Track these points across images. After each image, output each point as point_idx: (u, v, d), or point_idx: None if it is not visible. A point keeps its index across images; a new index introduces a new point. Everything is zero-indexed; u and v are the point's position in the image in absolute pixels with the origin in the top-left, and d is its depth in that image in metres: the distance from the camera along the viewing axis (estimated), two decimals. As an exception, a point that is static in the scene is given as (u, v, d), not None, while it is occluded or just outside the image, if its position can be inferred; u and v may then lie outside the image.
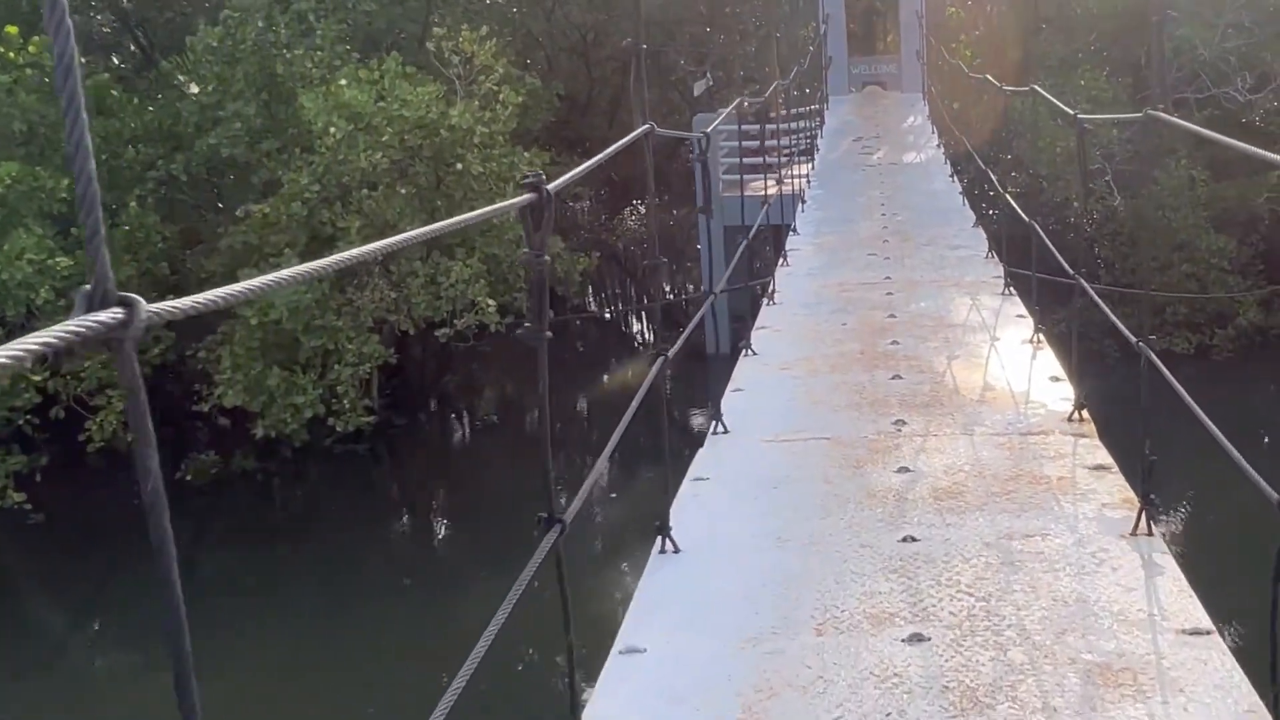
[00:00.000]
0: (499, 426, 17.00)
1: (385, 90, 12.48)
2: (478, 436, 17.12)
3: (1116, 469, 4.17)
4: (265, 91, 13.74)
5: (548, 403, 2.29)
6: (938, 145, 14.45)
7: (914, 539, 3.62)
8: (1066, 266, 5.05)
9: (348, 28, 14.76)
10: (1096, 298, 4.84)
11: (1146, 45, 17.41)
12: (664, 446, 3.79)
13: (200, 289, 1.24)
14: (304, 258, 12.12)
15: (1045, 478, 4.10)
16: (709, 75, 21.13)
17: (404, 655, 9.93)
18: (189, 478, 13.81)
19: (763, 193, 10.47)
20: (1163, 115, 3.25)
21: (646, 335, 22.33)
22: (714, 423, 4.82)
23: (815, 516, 3.84)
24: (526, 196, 2.22)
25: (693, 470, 4.35)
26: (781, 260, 8.38)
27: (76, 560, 12.71)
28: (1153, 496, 3.62)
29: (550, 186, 2.27)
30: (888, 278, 7.58)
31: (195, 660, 1.14)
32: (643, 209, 28.73)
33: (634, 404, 3.47)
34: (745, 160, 15.40)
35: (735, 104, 7.55)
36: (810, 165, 13.49)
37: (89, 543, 12.98)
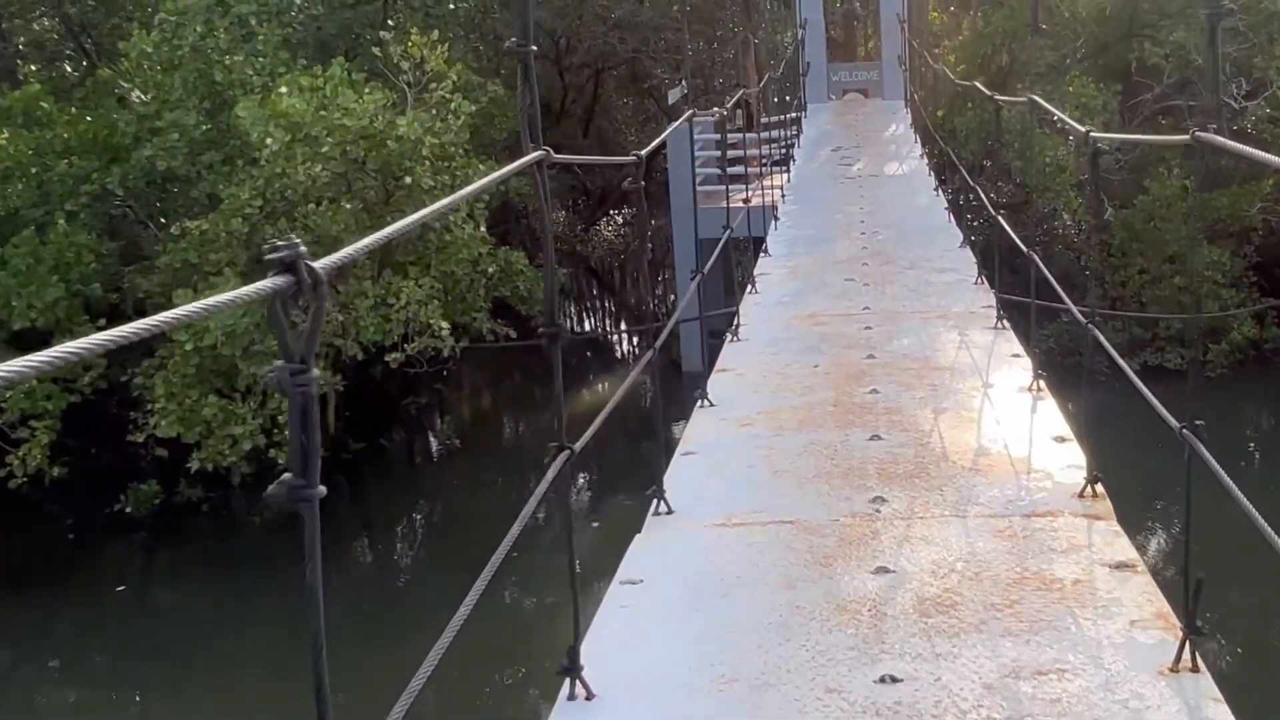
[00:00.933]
0: (464, 450, 16.18)
1: (328, 98, 11.62)
2: (443, 461, 16.28)
3: (1143, 568, 3.39)
4: (207, 100, 12.86)
5: (320, 604, 1.46)
6: (920, 155, 13.71)
7: (894, 678, 2.83)
8: (1076, 312, 4.26)
9: (294, 32, 13.88)
10: (1109, 347, 4.06)
11: (1138, 52, 16.72)
12: (570, 564, 2.96)
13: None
14: (246, 277, 11.29)
15: (1057, 581, 3.31)
16: (684, 82, 20.35)
17: (367, 689, 9.07)
18: (129, 509, 12.97)
19: (743, 206, 9.64)
20: (1215, 138, 2.47)
21: (628, 349, 21.71)
22: (655, 501, 4.02)
23: (771, 643, 3.04)
24: (275, 280, 1.40)
25: (623, 569, 3.54)
26: (750, 287, 7.59)
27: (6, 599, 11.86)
28: (1199, 624, 2.83)
29: (321, 264, 1.46)
30: (866, 308, 6.80)
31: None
32: (619, 219, 28.01)
33: (527, 509, 2.67)
34: (718, 171, 14.58)
35: (686, 116, 6.73)
36: (786, 177, 12.70)
37: (19, 579, 12.16)
